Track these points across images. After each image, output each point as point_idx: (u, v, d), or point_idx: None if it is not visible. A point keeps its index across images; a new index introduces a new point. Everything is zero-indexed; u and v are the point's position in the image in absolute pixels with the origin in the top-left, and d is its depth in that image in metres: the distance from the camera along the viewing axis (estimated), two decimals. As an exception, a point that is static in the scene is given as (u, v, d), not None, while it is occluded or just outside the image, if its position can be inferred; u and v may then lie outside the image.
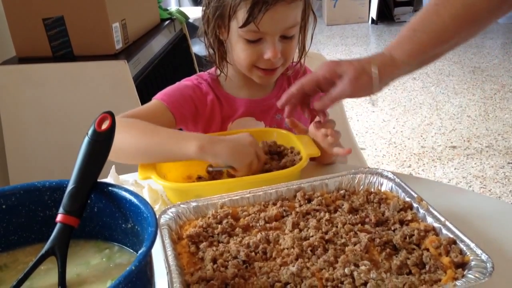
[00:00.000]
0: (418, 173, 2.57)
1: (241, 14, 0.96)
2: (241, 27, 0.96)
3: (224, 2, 0.98)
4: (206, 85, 1.10)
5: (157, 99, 1.04)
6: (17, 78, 1.71)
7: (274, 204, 0.76)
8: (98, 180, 0.60)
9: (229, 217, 0.73)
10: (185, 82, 1.11)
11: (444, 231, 0.67)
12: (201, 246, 0.67)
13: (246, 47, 1.00)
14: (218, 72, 1.10)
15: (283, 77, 1.15)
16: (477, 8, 0.80)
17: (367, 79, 0.82)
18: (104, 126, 0.60)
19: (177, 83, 1.10)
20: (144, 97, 1.64)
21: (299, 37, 1.07)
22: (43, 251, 0.56)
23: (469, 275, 0.58)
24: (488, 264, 0.58)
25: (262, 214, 0.73)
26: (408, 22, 0.87)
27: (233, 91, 1.12)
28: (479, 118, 3.14)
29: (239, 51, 1.02)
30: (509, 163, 2.58)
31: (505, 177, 2.46)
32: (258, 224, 0.72)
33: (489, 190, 2.37)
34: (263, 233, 0.69)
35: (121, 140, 0.79)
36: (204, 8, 1.05)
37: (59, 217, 0.57)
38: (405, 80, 3.86)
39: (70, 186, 0.58)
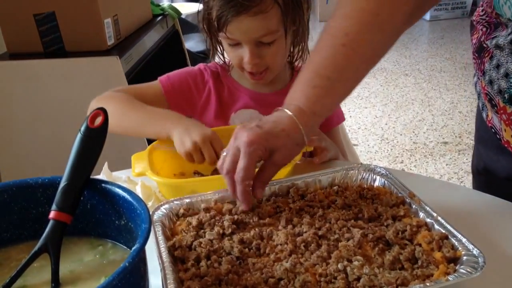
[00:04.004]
0: (410, 169, 2.59)
1: (214, 22, 1.00)
2: (218, 32, 1.01)
3: (206, 9, 1.03)
4: (209, 73, 1.12)
5: (159, 80, 1.09)
6: (8, 74, 1.70)
7: (268, 200, 0.76)
8: (91, 177, 0.60)
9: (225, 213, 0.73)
10: (191, 68, 1.15)
11: (436, 226, 0.67)
12: (195, 243, 0.67)
13: (229, 50, 1.04)
14: (230, 62, 1.13)
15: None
16: (382, 45, 0.78)
17: (298, 150, 0.76)
18: (97, 122, 0.60)
19: (183, 69, 1.14)
20: (137, 93, 1.64)
21: (297, 35, 1.07)
22: (36, 248, 0.55)
23: (461, 270, 0.58)
24: (479, 259, 0.59)
25: (256, 210, 0.73)
26: (314, 65, 0.77)
27: (241, 81, 1.13)
28: (470, 114, 3.16)
29: (227, 52, 1.07)
30: (500, 158, 2.60)
31: (496, 173, 2.47)
32: (251, 221, 0.72)
33: (481, 186, 2.39)
34: (256, 229, 0.69)
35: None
36: (199, 10, 1.08)
37: (52, 214, 0.57)
38: (397, 76, 3.88)
39: (63, 183, 0.58)
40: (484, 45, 0.82)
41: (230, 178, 0.72)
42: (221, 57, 1.13)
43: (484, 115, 0.90)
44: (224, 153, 0.75)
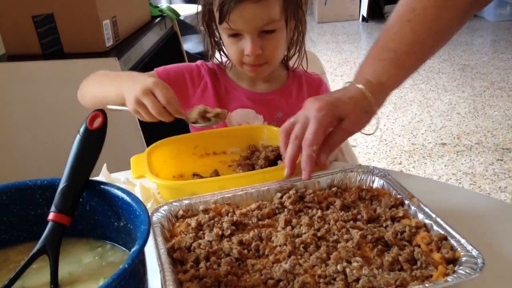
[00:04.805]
0: (409, 170, 2.59)
1: (216, 13, 1.00)
2: (219, 24, 1.01)
3: (205, 1, 1.03)
4: (206, 69, 1.12)
5: (155, 70, 1.10)
6: (7, 75, 1.70)
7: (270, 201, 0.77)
8: (90, 178, 0.60)
9: (228, 214, 0.73)
10: (188, 63, 1.15)
11: (435, 227, 0.67)
12: (194, 245, 0.67)
13: (230, 43, 1.03)
14: (227, 62, 1.13)
15: (294, 76, 1.15)
16: (448, 20, 0.81)
17: (368, 118, 0.80)
18: (96, 124, 0.60)
19: (182, 63, 1.15)
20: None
21: (294, 34, 1.07)
22: (35, 249, 0.55)
23: (460, 271, 0.58)
24: (478, 260, 0.59)
25: (255, 212, 0.73)
26: (383, 40, 0.83)
27: (238, 81, 1.13)
28: (468, 115, 3.16)
29: (226, 47, 1.06)
30: (498, 159, 2.61)
31: (495, 174, 2.48)
32: (250, 222, 0.72)
33: (479, 187, 2.39)
34: (255, 230, 0.69)
35: (85, 85, 1.04)
36: (198, 3, 1.08)
37: (51, 216, 0.57)
38: (395, 77, 3.87)
39: (62, 185, 0.58)
40: None
41: (297, 144, 0.75)
42: (219, 56, 1.13)
43: None
44: (292, 119, 0.78)
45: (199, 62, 1.15)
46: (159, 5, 2.39)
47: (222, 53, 1.12)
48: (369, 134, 0.85)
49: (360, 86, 0.78)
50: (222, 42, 1.08)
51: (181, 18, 2.51)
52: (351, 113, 0.77)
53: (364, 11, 5.65)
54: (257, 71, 1.05)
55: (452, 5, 0.80)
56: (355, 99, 0.77)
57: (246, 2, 0.95)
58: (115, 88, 0.95)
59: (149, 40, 2.07)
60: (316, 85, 1.17)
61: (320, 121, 0.74)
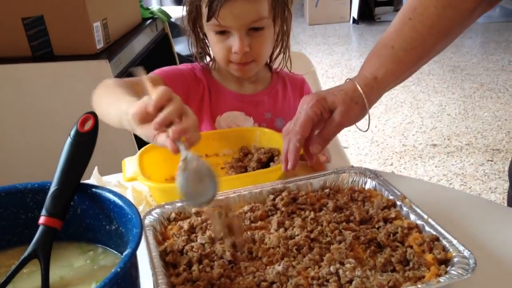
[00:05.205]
0: (400, 171, 2.60)
1: (205, 9, 0.99)
2: (207, 21, 1.00)
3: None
4: (200, 72, 1.11)
5: (153, 73, 1.06)
6: (-4, 78, 1.68)
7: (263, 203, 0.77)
8: (81, 182, 0.60)
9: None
10: (181, 66, 1.13)
11: (427, 228, 0.68)
12: (186, 247, 0.66)
13: (217, 41, 1.02)
14: (211, 63, 1.12)
15: (278, 77, 1.15)
16: (451, 19, 0.81)
17: (358, 109, 0.80)
18: (87, 126, 0.60)
19: (174, 66, 1.13)
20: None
21: (279, 34, 1.07)
22: (25, 254, 0.55)
23: (452, 271, 0.59)
24: (470, 260, 0.59)
25: (248, 214, 0.73)
26: (383, 38, 0.84)
27: (224, 83, 1.13)
28: (458, 117, 3.19)
29: (212, 45, 1.05)
30: (488, 160, 2.63)
31: (485, 174, 2.50)
32: (243, 224, 0.72)
33: (469, 187, 2.41)
34: (248, 232, 0.69)
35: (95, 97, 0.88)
36: (183, 4, 1.07)
37: (41, 219, 0.56)
38: (386, 79, 3.89)
39: (52, 188, 0.57)
40: None
41: (288, 139, 0.78)
42: (206, 56, 1.12)
43: None
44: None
45: (188, 65, 1.14)
46: (150, 7, 2.38)
47: (206, 53, 1.12)
48: (365, 131, 0.86)
49: (352, 79, 0.80)
50: (208, 42, 1.08)
51: (172, 20, 2.50)
52: (341, 103, 0.79)
53: (354, 13, 5.67)
54: (244, 69, 1.05)
55: (454, 5, 0.80)
56: (345, 91, 0.80)
57: None
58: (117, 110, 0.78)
59: (140, 42, 2.06)
60: (299, 85, 1.17)
61: (307, 112, 0.77)
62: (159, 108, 0.65)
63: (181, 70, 1.10)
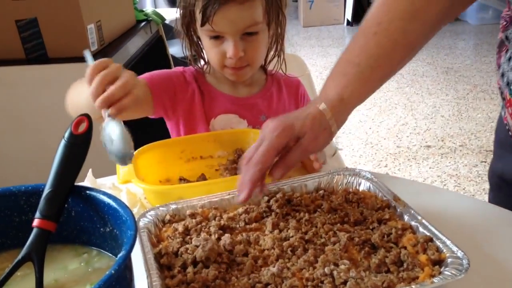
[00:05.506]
0: (394, 173, 2.61)
1: (198, 15, 0.99)
2: (201, 27, 1.00)
3: (186, 3, 1.02)
4: (190, 75, 1.11)
5: (140, 76, 1.06)
6: (-11, 81, 1.67)
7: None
8: (75, 184, 0.60)
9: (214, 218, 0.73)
10: (173, 69, 1.13)
11: (421, 229, 0.68)
12: (181, 249, 0.66)
13: (211, 46, 1.02)
14: (205, 66, 1.12)
15: (273, 79, 1.15)
16: (417, 32, 0.78)
17: (326, 135, 0.75)
18: (81, 129, 0.60)
19: (164, 70, 1.12)
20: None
21: (274, 38, 1.08)
22: (19, 256, 0.55)
23: (446, 272, 0.59)
24: (464, 261, 0.60)
25: (242, 216, 0.73)
26: (347, 54, 0.78)
27: (218, 86, 1.13)
28: (452, 118, 3.20)
29: (207, 50, 1.05)
30: (482, 161, 2.64)
31: (478, 176, 2.51)
32: (238, 226, 0.72)
33: (463, 189, 2.42)
34: (243, 234, 0.69)
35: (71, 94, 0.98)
36: (177, 8, 1.07)
37: (35, 222, 0.56)
38: (380, 81, 3.91)
39: (46, 190, 0.57)
40: (503, 38, 0.83)
41: (246, 169, 0.70)
42: (200, 59, 1.12)
43: (502, 113, 0.88)
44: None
45: (180, 68, 1.14)
46: (144, 9, 2.38)
47: (201, 57, 1.12)
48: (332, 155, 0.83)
49: (319, 103, 0.74)
50: (202, 46, 1.08)
51: (167, 22, 2.50)
52: (308, 130, 0.72)
53: (348, 15, 5.69)
54: (238, 74, 1.05)
55: (419, 18, 0.76)
56: (313, 116, 0.73)
57: (230, 4, 0.95)
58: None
59: (135, 45, 2.05)
60: (295, 86, 1.17)
61: (272, 141, 0.70)
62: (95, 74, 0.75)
63: (169, 73, 1.10)
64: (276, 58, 1.12)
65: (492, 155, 1.00)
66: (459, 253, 0.61)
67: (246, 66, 1.04)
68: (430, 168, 2.64)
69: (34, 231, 0.56)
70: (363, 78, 0.76)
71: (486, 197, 2.38)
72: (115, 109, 0.74)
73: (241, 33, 0.99)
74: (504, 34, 0.81)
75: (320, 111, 0.74)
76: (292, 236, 0.68)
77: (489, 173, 1.01)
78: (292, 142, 0.73)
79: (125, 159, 0.71)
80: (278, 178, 0.72)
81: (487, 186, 1.03)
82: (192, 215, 0.74)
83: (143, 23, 2.22)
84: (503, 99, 0.83)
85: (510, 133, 0.85)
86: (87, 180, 0.90)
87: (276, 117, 0.74)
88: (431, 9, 0.76)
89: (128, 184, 0.85)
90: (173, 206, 0.75)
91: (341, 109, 0.75)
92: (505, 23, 0.84)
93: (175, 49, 2.64)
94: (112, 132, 0.71)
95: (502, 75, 0.81)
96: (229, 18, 0.97)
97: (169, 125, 1.12)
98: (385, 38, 0.75)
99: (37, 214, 0.56)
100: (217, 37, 1.00)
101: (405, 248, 0.66)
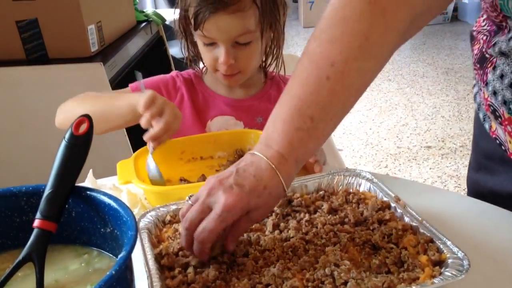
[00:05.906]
0: (395, 173, 2.61)
1: (191, 20, 1.00)
2: (194, 31, 1.01)
3: (183, 5, 1.03)
4: (181, 80, 1.12)
5: (129, 86, 1.10)
6: (-10, 81, 1.67)
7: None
8: (76, 185, 0.60)
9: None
10: (163, 75, 1.14)
11: (421, 230, 0.68)
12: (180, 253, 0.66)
13: (205, 50, 1.04)
14: (203, 68, 1.13)
15: (272, 82, 1.15)
16: (372, 71, 0.70)
17: (277, 201, 0.69)
18: (82, 129, 0.60)
19: (156, 76, 1.14)
20: (121, 100, 1.63)
21: (275, 42, 1.08)
22: (20, 257, 0.55)
23: (446, 273, 0.59)
24: (464, 262, 0.60)
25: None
26: (298, 100, 0.67)
27: (215, 88, 1.13)
28: (453, 119, 3.20)
29: (202, 53, 1.07)
30: (482, 162, 2.64)
31: (479, 176, 2.51)
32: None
33: (464, 189, 2.41)
34: (244, 234, 0.69)
35: (69, 109, 1.07)
36: (175, 8, 1.08)
37: (36, 223, 0.56)
38: (380, 81, 3.92)
39: (47, 191, 0.57)
40: (487, 55, 0.80)
41: (189, 234, 0.63)
42: (199, 60, 1.13)
43: (487, 126, 0.87)
44: (189, 202, 0.65)
45: (174, 73, 1.15)
46: (144, 10, 2.38)
47: (198, 57, 1.12)
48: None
49: (273, 167, 0.64)
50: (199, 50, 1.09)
51: (167, 23, 2.50)
52: (263, 205, 0.65)
53: (349, 16, 5.69)
54: (230, 80, 1.06)
55: (374, 55, 0.68)
56: (269, 190, 0.63)
57: (220, 12, 0.96)
58: (124, 101, 0.96)
59: (135, 45, 2.06)
60: None
61: (223, 221, 0.61)
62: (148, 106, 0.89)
63: (157, 81, 1.12)
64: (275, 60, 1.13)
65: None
66: (460, 254, 0.61)
67: (237, 73, 1.05)
68: (430, 168, 2.64)
69: (35, 231, 0.56)
70: (317, 134, 0.68)
71: (486, 198, 2.35)
72: (156, 144, 0.91)
73: (233, 41, 1.00)
74: (493, 49, 0.77)
75: (275, 180, 0.64)
76: (292, 237, 0.68)
77: (472, 185, 0.99)
78: (243, 216, 0.64)
79: (158, 183, 0.89)
80: (233, 249, 0.65)
81: (487, 186, 1.03)
82: (193, 216, 0.74)
83: (143, 24, 2.23)
84: (497, 117, 0.80)
85: (503, 148, 0.84)
86: (88, 180, 0.90)
87: (226, 183, 0.63)
88: (388, 39, 0.69)
89: (128, 185, 0.85)
90: (174, 207, 0.75)
91: (294, 171, 0.68)
92: (485, 37, 0.81)
93: (176, 49, 2.64)
94: (150, 162, 0.90)
95: (494, 93, 0.78)
96: (220, 26, 0.97)
97: None
98: (338, 84, 0.66)
99: (38, 215, 0.56)
100: (210, 43, 1.01)
101: (405, 248, 0.66)
